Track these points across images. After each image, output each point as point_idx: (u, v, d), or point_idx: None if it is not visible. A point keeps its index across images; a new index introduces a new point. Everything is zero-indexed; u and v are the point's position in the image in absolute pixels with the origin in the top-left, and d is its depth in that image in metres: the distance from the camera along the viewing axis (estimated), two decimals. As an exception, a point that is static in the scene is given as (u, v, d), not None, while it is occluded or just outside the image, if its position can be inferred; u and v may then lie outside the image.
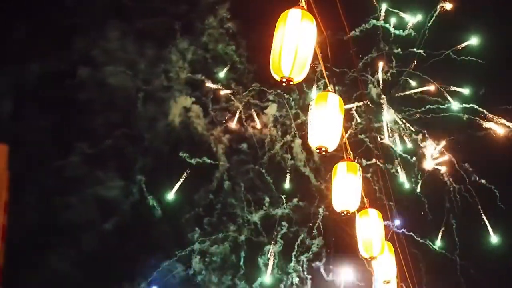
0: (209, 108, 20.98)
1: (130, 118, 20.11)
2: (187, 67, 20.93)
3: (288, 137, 21.20)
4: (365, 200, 6.73)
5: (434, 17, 20.97)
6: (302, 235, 20.51)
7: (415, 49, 21.17)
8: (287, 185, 21.03)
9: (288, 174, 21.04)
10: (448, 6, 20.75)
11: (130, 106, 20.07)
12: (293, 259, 20.39)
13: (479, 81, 20.25)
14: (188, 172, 20.34)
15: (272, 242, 20.46)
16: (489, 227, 20.02)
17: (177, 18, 20.61)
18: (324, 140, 5.24)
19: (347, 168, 6.23)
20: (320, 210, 20.60)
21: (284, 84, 4.73)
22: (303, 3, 5.17)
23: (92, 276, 18.28)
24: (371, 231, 6.52)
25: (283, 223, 20.60)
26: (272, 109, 21.49)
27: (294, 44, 4.67)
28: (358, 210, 6.65)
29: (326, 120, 5.30)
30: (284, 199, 20.78)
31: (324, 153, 5.29)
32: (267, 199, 20.79)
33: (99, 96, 19.71)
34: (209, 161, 20.59)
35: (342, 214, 6.04)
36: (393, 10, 21.29)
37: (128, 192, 19.78)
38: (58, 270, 17.39)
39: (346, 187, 6.08)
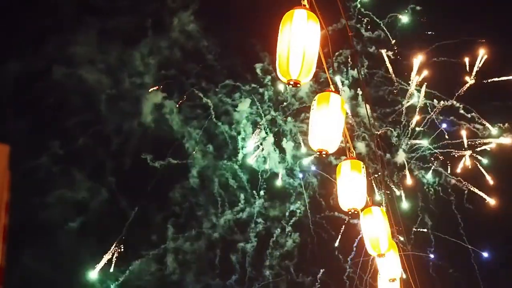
0: (181, 106, 20.78)
1: (100, 119, 19.80)
2: (158, 65, 20.68)
3: (262, 134, 21.20)
4: (368, 199, 6.82)
5: (406, 18, 21.38)
6: (277, 233, 20.57)
7: (384, 50, 21.49)
8: (261, 182, 21.05)
9: (262, 172, 21.07)
10: (419, 7, 21.17)
11: (99, 106, 19.78)
12: (268, 257, 20.45)
13: (451, 80, 20.75)
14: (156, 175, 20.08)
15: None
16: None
17: (148, 16, 20.37)
18: (325, 143, 5.27)
19: (351, 166, 6.30)
20: (294, 207, 20.73)
21: (291, 85, 4.82)
22: (305, 2, 5.20)
23: (66, 275, 18.10)
24: (376, 228, 6.60)
25: (258, 220, 20.61)
26: (244, 105, 21.41)
27: (302, 46, 4.71)
28: (362, 209, 6.74)
29: (328, 122, 5.32)
30: (258, 197, 20.80)
31: (324, 155, 5.34)
32: (242, 196, 20.76)
33: (69, 96, 19.43)
34: (175, 161, 20.40)
35: (350, 212, 6.13)
36: (364, 10, 21.51)
37: (99, 192, 19.49)
38: (32, 269, 17.16)
39: (351, 185, 6.16)
